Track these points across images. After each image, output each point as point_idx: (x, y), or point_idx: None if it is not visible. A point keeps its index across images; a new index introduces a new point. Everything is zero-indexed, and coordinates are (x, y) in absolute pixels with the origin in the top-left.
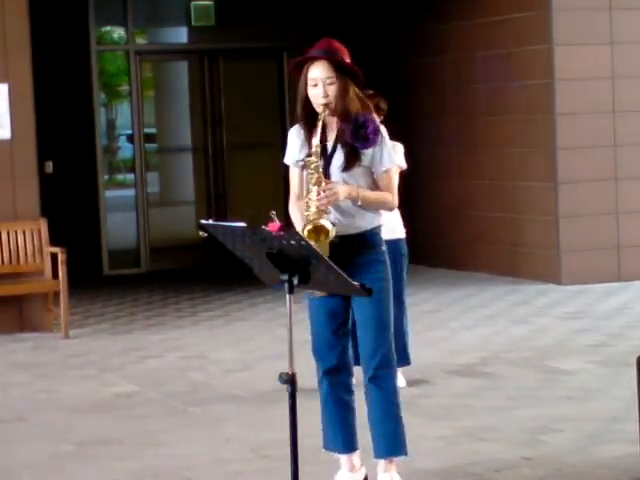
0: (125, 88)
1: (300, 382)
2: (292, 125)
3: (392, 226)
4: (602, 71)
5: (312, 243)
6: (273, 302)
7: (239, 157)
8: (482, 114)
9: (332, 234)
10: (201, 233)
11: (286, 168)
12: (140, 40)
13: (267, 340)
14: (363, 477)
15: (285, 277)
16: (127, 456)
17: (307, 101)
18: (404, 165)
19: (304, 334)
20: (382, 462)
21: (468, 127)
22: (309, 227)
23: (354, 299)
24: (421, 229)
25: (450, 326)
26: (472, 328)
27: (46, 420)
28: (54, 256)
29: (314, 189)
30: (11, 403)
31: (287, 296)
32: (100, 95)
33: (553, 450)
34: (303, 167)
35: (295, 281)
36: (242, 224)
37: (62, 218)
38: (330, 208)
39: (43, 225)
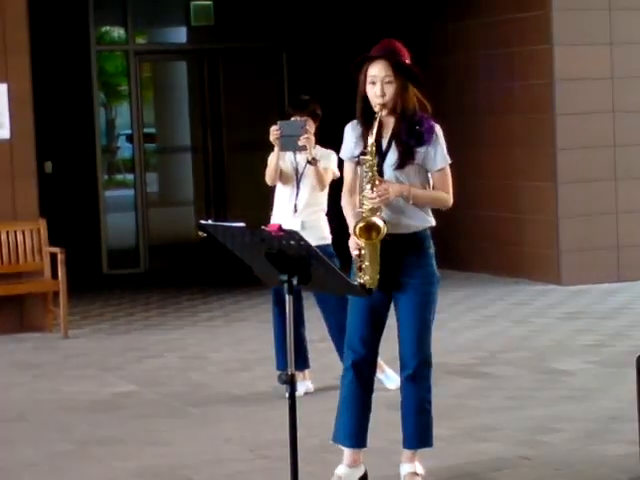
0: (124, 88)
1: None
2: None
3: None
4: (602, 71)
5: (363, 241)
6: None
7: (238, 157)
8: (483, 114)
9: (384, 232)
10: (200, 233)
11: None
12: (140, 40)
13: (266, 340)
14: (362, 473)
15: (285, 277)
16: (127, 456)
17: (366, 99)
18: (337, 173)
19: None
20: (407, 453)
21: (469, 126)
22: (361, 224)
23: (399, 299)
24: None
25: (450, 326)
26: (472, 328)
27: (46, 420)
28: (53, 256)
29: (367, 187)
30: (11, 403)
31: (287, 297)
32: (100, 95)
33: (553, 450)
34: (357, 163)
35: (295, 281)
36: (241, 224)
37: (61, 218)
38: (382, 207)
39: (42, 225)
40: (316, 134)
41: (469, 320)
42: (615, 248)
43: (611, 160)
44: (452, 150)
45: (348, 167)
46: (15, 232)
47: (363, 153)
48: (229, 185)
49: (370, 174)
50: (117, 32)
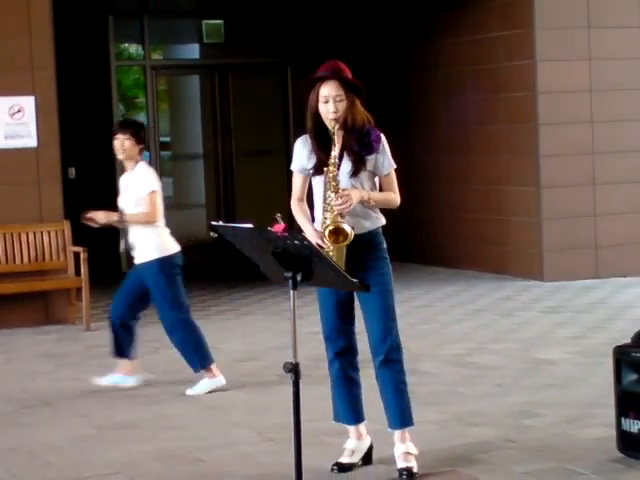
0: (142, 100)
1: (303, 371)
2: (296, 134)
3: (164, 244)
4: (581, 85)
5: (330, 243)
6: (278, 297)
7: (247, 163)
8: (471, 124)
9: (351, 238)
10: (212, 234)
11: (289, 173)
12: (156, 56)
13: (272, 332)
14: (369, 444)
15: (289, 274)
16: (144, 438)
17: (317, 115)
18: (155, 187)
19: (307, 327)
20: (397, 433)
21: (458, 136)
22: (331, 227)
23: (361, 293)
24: (414, 230)
25: (441, 319)
26: (461, 321)
27: (69, 405)
28: (77, 255)
29: (332, 195)
30: (37, 390)
31: (291, 292)
32: (119, 107)
33: (536, 433)
34: (313, 174)
35: (298, 278)
36: (249, 225)
37: None
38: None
39: (67, 226)
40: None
41: (458, 314)
42: (593, 247)
43: (590, 167)
44: (442, 158)
45: (298, 178)
46: (41, 233)
47: (322, 165)
48: (238, 189)
49: (334, 183)
50: (135, 48)
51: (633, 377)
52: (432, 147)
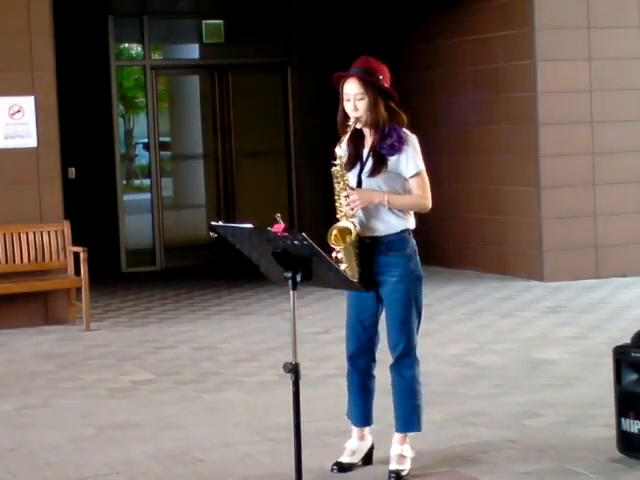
0: (142, 100)
1: (303, 371)
2: (296, 134)
3: None
4: (581, 85)
5: (340, 246)
6: (278, 297)
7: (246, 163)
8: (471, 124)
9: (354, 232)
10: (212, 234)
11: (290, 173)
12: (156, 56)
13: (272, 333)
14: (369, 445)
15: (289, 274)
16: (144, 438)
17: (346, 113)
18: None
19: (307, 327)
20: (398, 435)
21: (458, 136)
22: (334, 232)
23: (383, 296)
24: (415, 230)
25: (442, 319)
26: (461, 321)
27: (69, 405)
28: (76, 255)
29: (342, 195)
30: (38, 390)
31: (291, 292)
32: (119, 107)
33: (536, 433)
34: (348, 170)
35: (298, 278)
36: (249, 225)
37: (84, 220)
38: (359, 212)
39: (66, 226)
40: None
41: (459, 314)
42: (593, 247)
43: (589, 167)
44: (443, 158)
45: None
46: (41, 232)
47: (350, 160)
48: (238, 189)
49: (341, 184)
50: (135, 48)
51: (633, 377)
52: (432, 147)
